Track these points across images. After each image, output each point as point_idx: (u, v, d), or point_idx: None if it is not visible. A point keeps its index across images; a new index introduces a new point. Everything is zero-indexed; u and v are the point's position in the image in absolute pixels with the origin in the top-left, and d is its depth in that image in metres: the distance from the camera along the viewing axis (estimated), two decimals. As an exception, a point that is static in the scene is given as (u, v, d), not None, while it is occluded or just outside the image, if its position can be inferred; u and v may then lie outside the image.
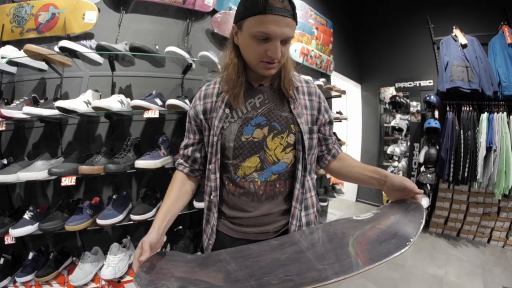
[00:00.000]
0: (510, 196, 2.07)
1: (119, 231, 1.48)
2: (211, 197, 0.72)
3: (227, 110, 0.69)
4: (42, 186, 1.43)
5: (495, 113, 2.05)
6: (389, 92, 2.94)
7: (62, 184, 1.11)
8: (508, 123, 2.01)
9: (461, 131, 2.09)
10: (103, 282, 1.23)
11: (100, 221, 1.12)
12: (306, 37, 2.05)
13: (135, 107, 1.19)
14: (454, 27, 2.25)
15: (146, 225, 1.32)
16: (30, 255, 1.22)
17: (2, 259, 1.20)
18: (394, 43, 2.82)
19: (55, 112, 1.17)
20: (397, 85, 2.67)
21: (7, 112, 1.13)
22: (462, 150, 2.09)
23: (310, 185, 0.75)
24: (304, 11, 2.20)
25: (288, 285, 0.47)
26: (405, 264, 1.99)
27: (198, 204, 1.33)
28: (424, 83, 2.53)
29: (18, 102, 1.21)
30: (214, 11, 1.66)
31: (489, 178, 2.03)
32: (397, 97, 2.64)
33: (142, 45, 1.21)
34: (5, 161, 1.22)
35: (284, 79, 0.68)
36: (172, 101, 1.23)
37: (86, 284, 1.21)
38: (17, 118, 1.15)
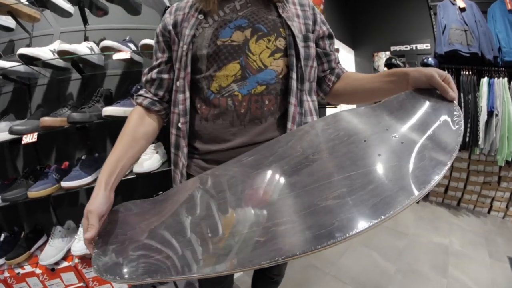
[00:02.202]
0: (512, 163, 2.02)
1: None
2: (179, 125, 0.57)
3: (200, 17, 0.56)
4: (11, 158, 1.28)
5: (496, 78, 1.97)
6: (382, 60, 2.81)
7: (23, 142, 0.96)
8: (510, 88, 1.94)
9: (461, 94, 2.01)
10: (76, 260, 1.08)
11: (64, 183, 0.97)
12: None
13: (104, 49, 1.05)
14: (452, -9, 2.16)
15: (124, 191, 1.19)
16: (1, 237, 1.09)
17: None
18: (388, 7, 2.71)
19: (17, 63, 1.02)
20: (392, 48, 2.54)
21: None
22: (463, 114, 2.02)
23: (311, 107, 0.61)
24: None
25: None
26: (408, 232, 1.92)
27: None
28: (421, 46, 2.43)
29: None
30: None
31: (491, 143, 1.97)
32: (393, 59, 2.51)
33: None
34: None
35: None
36: (146, 41, 1.09)
37: (57, 263, 1.07)
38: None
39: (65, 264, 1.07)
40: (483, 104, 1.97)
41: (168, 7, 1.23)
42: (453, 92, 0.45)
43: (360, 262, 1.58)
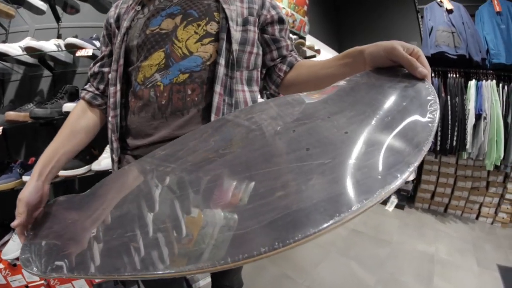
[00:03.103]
0: (501, 168, 1.95)
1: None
2: (109, 118, 0.56)
3: (138, 8, 0.55)
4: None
5: (484, 81, 1.94)
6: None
7: (-12, 134, 0.98)
8: (498, 91, 1.91)
9: (448, 97, 1.98)
10: (38, 256, 1.07)
11: (25, 178, 0.98)
12: (276, -7, 1.91)
13: (68, 46, 1.06)
14: (439, -7, 2.14)
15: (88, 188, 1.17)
16: (-32, 231, 1.08)
17: None
18: (374, 9, 2.71)
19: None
20: (378, 50, 2.51)
21: None
22: (449, 118, 1.97)
23: (248, 98, 0.55)
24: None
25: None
26: (391, 240, 1.85)
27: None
28: (407, 48, 2.41)
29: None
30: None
31: (479, 148, 1.92)
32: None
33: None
34: None
35: None
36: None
37: (18, 258, 1.04)
38: None
39: (26, 259, 1.06)
40: (470, 107, 1.93)
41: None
42: (423, 68, 0.35)
43: (336, 272, 1.51)
